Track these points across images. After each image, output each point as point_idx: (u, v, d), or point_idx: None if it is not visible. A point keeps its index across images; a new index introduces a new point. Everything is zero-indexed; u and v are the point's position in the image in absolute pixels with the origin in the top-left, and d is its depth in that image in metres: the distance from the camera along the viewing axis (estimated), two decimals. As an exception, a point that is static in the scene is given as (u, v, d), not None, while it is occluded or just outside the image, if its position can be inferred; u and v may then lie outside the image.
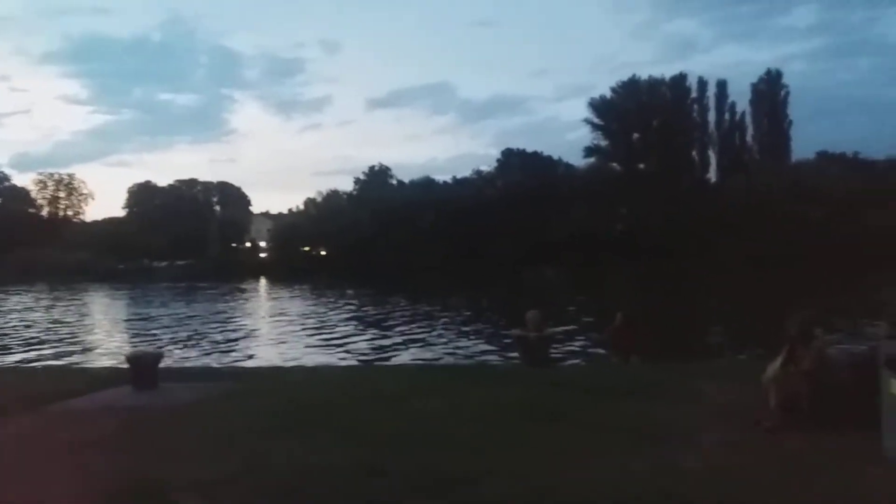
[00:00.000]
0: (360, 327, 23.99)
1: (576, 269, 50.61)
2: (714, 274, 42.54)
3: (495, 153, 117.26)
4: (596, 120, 69.75)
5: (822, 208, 49.75)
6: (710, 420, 6.23)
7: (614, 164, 69.61)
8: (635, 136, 68.16)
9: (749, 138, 67.86)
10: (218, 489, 4.75)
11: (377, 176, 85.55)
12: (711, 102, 68.40)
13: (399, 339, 20.29)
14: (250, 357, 17.54)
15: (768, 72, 67.71)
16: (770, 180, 56.44)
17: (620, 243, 57.09)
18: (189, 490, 4.72)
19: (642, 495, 4.42)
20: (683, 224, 55.03)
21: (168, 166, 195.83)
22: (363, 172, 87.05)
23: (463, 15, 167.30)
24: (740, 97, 67.86)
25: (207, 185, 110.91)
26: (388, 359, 16.89)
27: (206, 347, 19.47)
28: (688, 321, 24.82)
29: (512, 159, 73.12)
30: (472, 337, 20.48)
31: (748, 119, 67.64)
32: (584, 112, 74.73)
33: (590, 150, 70.60)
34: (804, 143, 71.28)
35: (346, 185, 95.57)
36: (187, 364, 15.50)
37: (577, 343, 17.22)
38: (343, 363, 15.80)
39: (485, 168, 76.33)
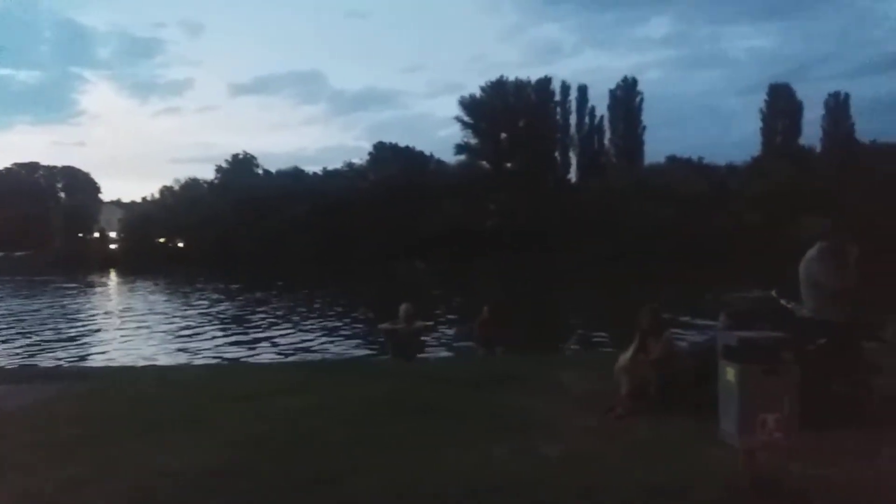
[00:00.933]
0: (222, 323, 22.98)
1: (447, 263, 51.43)
2: (576, 268, 44.79)
3: (367, 146, 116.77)
4: (466, 118, 71.10)
5: (672, 208, 53.70)
6: (568, 408, 6.53)
7: (484, 162, 71.33)
8: (503, 135, 70.17)
9: (607, 141, 71.95)
10: (59, 498, 4.35)
11: (241, 164, 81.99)
12: (573, 106, 71.81)
13: (263, 336, 19.66)
14: (97, 356, 16.31)
15: (625, 79, 72.07)
16: (625, 181, 60.23)
17: (490, 238, 58.66)
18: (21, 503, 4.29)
19: (501, 482, 4.57)
20: (548, 221, 57.46)
21: (6, 148, 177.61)
22: (226, 160, 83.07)
23: (336, 4, 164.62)
24: (600, 102, 71.81)
25: (51, 170, 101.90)
26: (251, 356, 16.28)
27: (46, 346, 17.87)
28: (551, 314, 25.98)
29: (384, 153, 72.92)
30: (340, 332, 20.22)
31: (606, 123, 71.69)
32: (455, 109, 75.89)
33: (460, 148, 71.90)
34: (656, 148, 76.67)
35: (207, 173, 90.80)
36: (25, 364, 14.14)
37: (445, 336, 17.50)
38: (202, 362, 15.05)
39: (356, 161, 75.57)
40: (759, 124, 67.85)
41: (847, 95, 66.15)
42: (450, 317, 22.01)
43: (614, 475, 4.64)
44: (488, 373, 8.48)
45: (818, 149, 64.90)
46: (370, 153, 74.62)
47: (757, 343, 4.29)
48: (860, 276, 6.05)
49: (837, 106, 66.19)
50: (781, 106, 66.71)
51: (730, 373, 4.28)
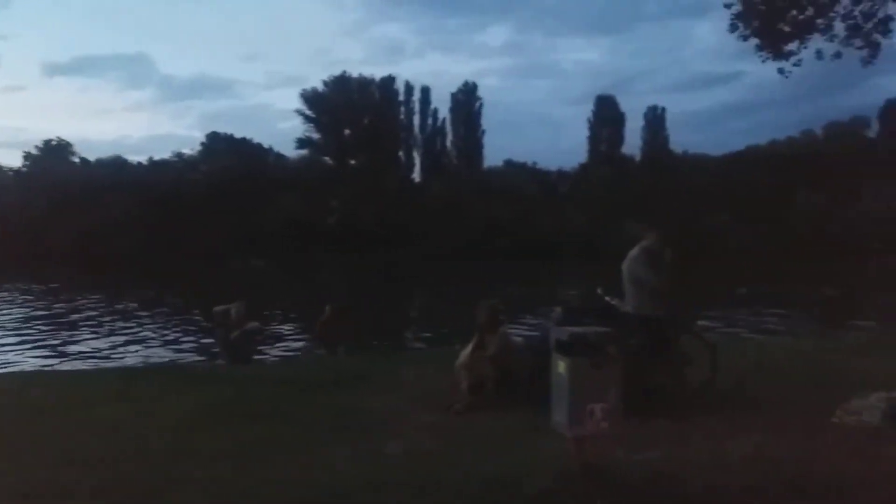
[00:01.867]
0: (30, 328, 20.61)
1: (287, 261, 49.97)
2: (419, 266, 45.39)
3: (199, 136, 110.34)
4: (308, 112, 69.54)
5: (510, 209, 56.18)
6: (410, 406, 6.53)
7: (326, 158, 70.23)
8: (347, 131, 69.55)
9: (449, 143, 73.73)
10: None
11: (55, 152, 74.05)
12: (417, 107, 72.83)
13: (79, 341, 17.88)
14: None
15: (466, 83, 74.19)
16: (466, 183, 62.17)
17: (333, 235, 57.84)
18: None
19: (341, 486, 4.45)
20: (392, 219, 57.78)
21: None
22: (36, 147, 74.67)
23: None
24: (442, 104, 73.36)
25: None
26: (63, 363, 14.71)
27: None
28: (395, 312, 26.08)
29: (218, 144, 69.30)
30: (167, 335, 18.89)
31: (448, 125, 73.43)
32: (296, 102, 74.04)
33: (302, 142, 70.18)
34: (495, 152, 79.58)
35: (13, 160, 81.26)
36: None
37: (284, 336, 16.95)
38: (5, 371, 13.36)
39: (187, 151, 71.14)
40: (587, 133, 72.76)
41: (663, 109, 72.71)
42: (294, 312, 21.37)
43: (453, 470, 4.69)
44: (329, 374, 8.29)
45: (638, 157, 70.84)
46: (203, 143, 70.63)
47: (585, 338, 4.52)
48: (674, 276, 6.62)
49: (655, 118, 72.53)
50: (606, 116, 71.89)
51: (561, 366, 4.47)
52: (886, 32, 10.37)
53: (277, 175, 65.33)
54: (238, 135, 69.87)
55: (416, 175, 72.52)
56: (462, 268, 41.42)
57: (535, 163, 68.84)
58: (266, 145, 71.11)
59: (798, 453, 4.84)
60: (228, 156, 65.84)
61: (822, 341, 12.68)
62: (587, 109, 73.44)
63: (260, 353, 11.64)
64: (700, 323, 11.36)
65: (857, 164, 59.03)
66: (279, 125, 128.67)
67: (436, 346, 15.42)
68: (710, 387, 6.64)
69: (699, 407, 6.02)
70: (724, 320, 19.16)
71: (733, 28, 10.79)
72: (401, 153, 72.18)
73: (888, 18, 10.29)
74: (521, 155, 71.93)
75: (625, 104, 72.46)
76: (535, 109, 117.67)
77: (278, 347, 15.33)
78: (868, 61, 10.71)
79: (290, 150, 71.33)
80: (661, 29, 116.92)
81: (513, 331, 7.52)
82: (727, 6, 10.68)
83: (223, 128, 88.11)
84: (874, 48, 10.53)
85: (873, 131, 71.29)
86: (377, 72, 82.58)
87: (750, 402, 6.31)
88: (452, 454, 5.08)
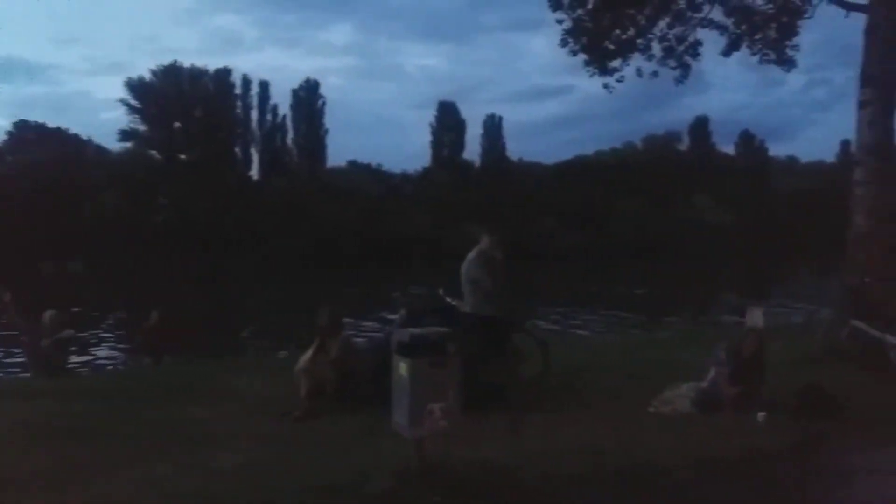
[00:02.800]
0: None
1: (108, 263, 45.98)
2: (258, 270, 43.69)
3: (5, 124, 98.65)
4: (133, 102, 64.51)
5: (354, 211, 55.77)
6: (244, 416, 6.23)
7: (154, 152, 65.57)
8: (177, 124, 65.38)
9: (290, 141, 71.80)
10: None
11: None
12: (255, 101, 70.14)
13: None
14: None
15: (307, 80, 72.67)
16: (308, 182, 60.92)
17: (161, 236, 54.05)
18: None
19: (169, 502, 4.13)
20: (228, 220, 55.14)
21: None
22: None
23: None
24: (283, 100, 71.25)
25: None
26: None
27: None
28: (228, 317, 24.88)
29: (27, 133, 62.35)
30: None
31: (289, 122, 71.51)
32: (120, 91, 68.36)
33: (126, 134, 64.87)
34: (339, 152, 78.68)
35: None
36: None
37: (104, 345, 15.56)
38: None
39: (-11, 141, 63.31)
40: (430, 137, 74.18)
41: (501, 118, 75.89)
42: (114, 319, 19.69)
43: (289, 479, 4.53)
44: (154, 385, 7.69)
45: (478, 163, 73.38)
46: (9, 132, 63.22)
47: (426, 338, 4.55)
48: (505, 277, 6.89)
49: (493, 126, 75.47)
50: (448, 122, 73.75)
51: (402, 367, 4.47)
52: (696, 55, 11.56)
53: (98, 169, 60.00)
54: (52, 124, 63.29)
55: (255, 173, 69.93)
56: (304, 270, 40.51)
57: (379, 164, 69.03)
58: (85, 136, 65.04)
59: (620, 442, 5.20)
60: (40, 147, 59.40)
61: (642, 337, 13.85)
62: (430, 114, 74.92)
63: (74, 363, 10.57)
64: (533, 321, 11.94)
65: (671, 174, 65.55)
66: (101, 115, 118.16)
67: (272, 352, 14.89)
68: (543, 382, 6.97)
69: (533, 402, 6.27)
70: (555, 318, 20.34)
71: (564, 43, 11.48)
72: (237, 149, 69.21)
73: (697, 43, 11.47)
74: (366, 156, 71.90)
75: (465, 111, 74.68)
76: (380, 111, 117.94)
77: (98, 357, 14.04)
78: (680, 80, 11.88)
79: (112, 143, 65.74)
80: (499, 41, 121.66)
81: (360, 332, 7.42)
82: (559, 22, 11.34)
83: (34, 116, 79.28)
84: (686, 69, 11.70)
85: (685, 145, 79.34)
86: (212, 63, 78.43)
87: (578, 396, 6.69)
88: (290, 463, 4.90)
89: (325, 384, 6.35)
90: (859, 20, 9.13)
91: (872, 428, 5.56)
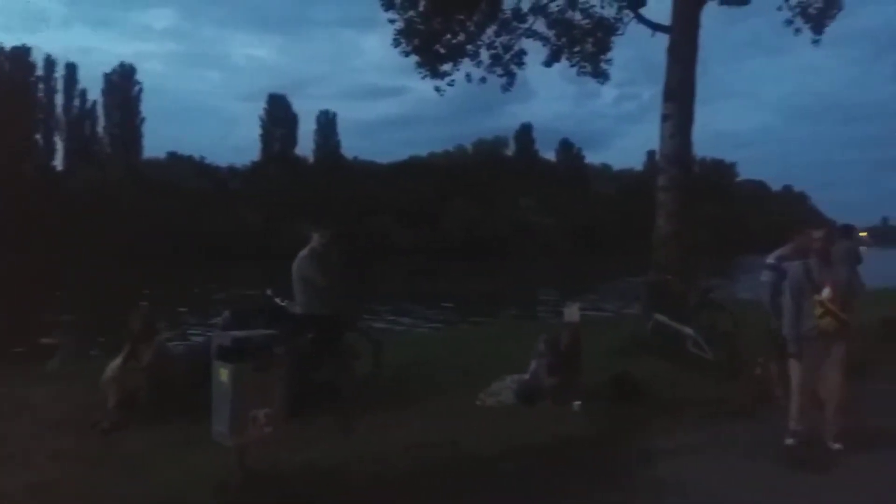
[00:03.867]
0: None
1: None
2: (61, 268, 39.45)
3: None
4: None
5: (174, 205, 52.11)
6: (40, 432, 5.55)
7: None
8: (-36, 105, 57.54)
9: (101, 129, 65.78)
10: None
11: None
12: (60, 85, 63.56)
13: None
14: None
15: (122, 65, 67.00)
16: (122, 174, 56.13)
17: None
18: None
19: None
20: (26, 213, 49.30)
21: None
22: None
23: None
24: (93, 85, 65.11)
25: None
26: None
27: None
28: (27, 322, 22.19)
29: None
30: None
31: (100, 109, 65.49)
32: None
33: None
34: (157, 142, 73.45)
35: None
36: None
37: None
38: None
39: None
40: (259, 131, 71.53)
41: (335, 114, 75.03)
42: None
43: (94, 499, 4.08)
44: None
45: (311, 159, 71.92)
46: None
47: (250, 342, 4.32)
48: (339, 275, 6.77)
49: (327, 122, 74.47)
50: (280, 116, 71.60)
51: (223, 373, 4.22)
52: (521, 64, 12.14)
53: None
54: None
55: (59, 163, 63.27)
56: (116, 269, 37.28)
57: (203, 157, 65.30)
58: None
59: (448, 436, 5.28)
60: None
61: (472, 332, 14.30)
62: (260, 107, 72.42)
63: None
64: (367, 319, 11.89)
65: (499, 177, 68.72)
66: None
67: (76, 361, 13.52)
68: (375, 381, 6.93)
69: (364, 401, 6.20)
70: (389, 316, 20.43)
71: (396, 43, 11.55)
72: (39, 136, 62.24)
73: (522, 52, 12.04)
74: (188, 148, 67.89)
75: (298, 106, 73.11)
76: (205, 101, 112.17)
77: None
78: (507, 88, 12.41)
79: None
80: (333, 36, 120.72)
81: (182, 336, 6.89)
82: (391, 22, 11.38)
83: None
84: (512, 77, 12.25)
85: (511, 150, 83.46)
86: (9, 40, 70.03)
87: (409, 393, 6.72)
88: (92, 482, 4.43)
89: (137, 393, 5.83)
90: (663, 40, 10.08)
91: (673, 412, 6.13)
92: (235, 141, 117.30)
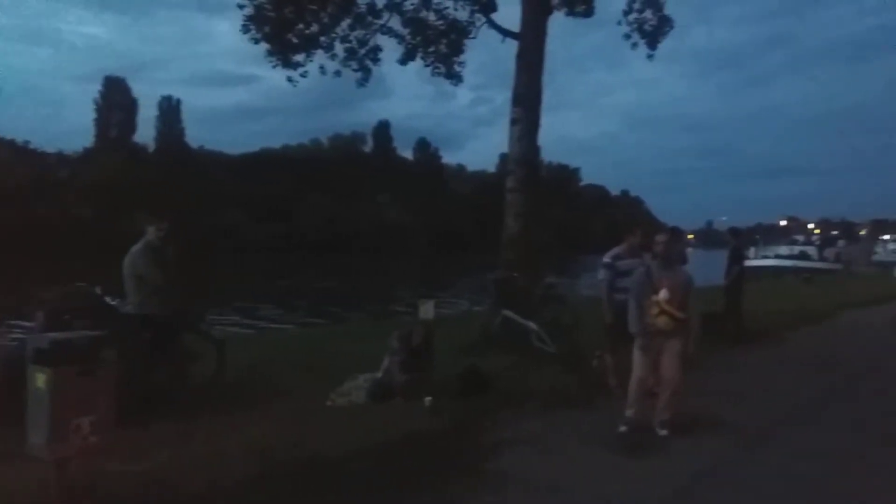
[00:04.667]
0: None
1: None
2: None
3: None
4: None
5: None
6: None
7: None
8: None
9: None
10: None
11: None
12: None
13: None
14: None
15: (-70, 34, 59.31)
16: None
17: None
18: None
19: None
20: None
21: None
22: None
23: None
24: None
25: None
26: None
27: None
28: None
29: None
30: None
31: None
32: None
33: None
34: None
35: None
36: None
37: None
38: None
39: None
40: (94, 115, 65.98)
41: (179, 101, 70.75)
42: None
43: None
44: None
45: (151, 148, 67.36)
46: None
47: (72, 344, 3.93)
48: (177, 271, 6.33)
49: (171, 109, 70.09)
50: (117, 100, 66.44)
51: (40, 379, 3.80)
52: (376, 60, 12.07)
53: None
54: None
55: None
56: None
57: (27, 142, 59.08)
58: None
59: (292, 439, 5.12)
60: None
61: (325, 330, 14.05)
62: (95, 89, 66.86)
63: None
64: (209, 319, 11.30)
65: (357, 173, 68.17)
66: None
67: None
68: (217, 384, 6.59)
69: (204, 405, 5.88)
70: (237, 314, 19.60)
71: (246, 30, 11.06)
72: None
73: (377, 48, 11.99)
74: (9, 131, 61.13)
75: (138, 90, 68.31)
76: (30, 80, 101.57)
77: None
78: (362, 83, 12.30)
79: None
80: (178, 18, 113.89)
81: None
82: (240, 7, 10.88)
83: None
84: (367, 72, 12.14)
85: (369, 146, 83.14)
86: None
87: (255, 395, 6.45)
88: None
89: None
90: (513, 46, 10.43)
91: (517, 404, 6.38)
92: (66, 125, 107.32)
